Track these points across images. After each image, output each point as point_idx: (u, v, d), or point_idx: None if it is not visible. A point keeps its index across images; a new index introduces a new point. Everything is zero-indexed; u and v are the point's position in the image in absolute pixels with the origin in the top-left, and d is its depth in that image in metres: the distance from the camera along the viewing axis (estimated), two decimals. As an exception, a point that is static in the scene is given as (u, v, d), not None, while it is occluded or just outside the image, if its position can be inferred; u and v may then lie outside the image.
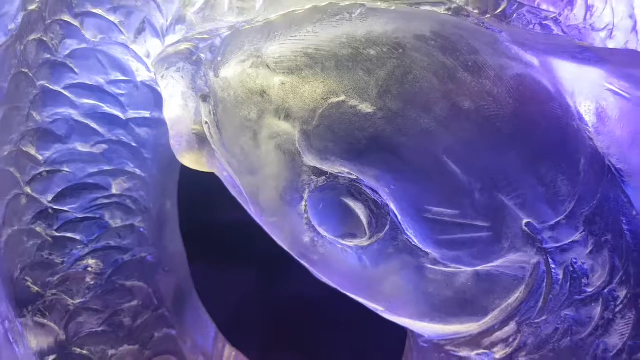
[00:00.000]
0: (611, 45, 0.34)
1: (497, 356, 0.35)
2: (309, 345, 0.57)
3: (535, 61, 0.30)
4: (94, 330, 0.38)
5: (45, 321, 0.38)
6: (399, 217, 0.29)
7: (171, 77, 0.29)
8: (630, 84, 0.30)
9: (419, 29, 0.29)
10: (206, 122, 0.30)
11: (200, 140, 0.30)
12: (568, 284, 0.32)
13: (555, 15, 0.33)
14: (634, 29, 0.34)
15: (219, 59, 0.30)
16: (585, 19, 0.34)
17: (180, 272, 0.44)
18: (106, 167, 0.36)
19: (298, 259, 0.34)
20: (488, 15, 0.31)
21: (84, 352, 0.38)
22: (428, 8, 0.30)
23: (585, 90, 0.31)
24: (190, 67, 0.29)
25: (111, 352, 0.39)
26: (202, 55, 0.30)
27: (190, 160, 0.31)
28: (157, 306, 0.41)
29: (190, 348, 0.44)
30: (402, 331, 0.39)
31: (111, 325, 0.38)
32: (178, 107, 0.30)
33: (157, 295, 0.41)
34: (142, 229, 0.38)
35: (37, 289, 0.37)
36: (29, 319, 0.38)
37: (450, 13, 0.30)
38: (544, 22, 0.33)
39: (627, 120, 0.31)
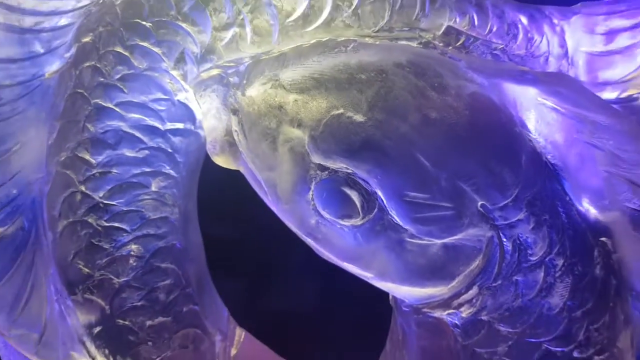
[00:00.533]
0: (547, 69, 0.44)
1: (464, 315, 0.44)
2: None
3: (485, 82, 0.39)
4: (135, 304, 0.46)
5: (93, 297, 0.46)
6: (385, 201, 0.38)
7: (208, 96, 0.38)
8: (559, 100, 0.40)
9: (397, 58, 0.38)
10: (235, 131, 0.39)
11: (231, 145, 0.39)
12: (516, 254, 0.42)
13: (502, 46, 0.42)
14: (565, 55, 0.44)
15: (245, 81, 0.39)
16: (526, 49, 0.43)
17: (200, 260, 0.52)
18: (147, 169, 0.44)
19: (304, 239, 0.43)
20: (450, 47, 0.40)
21: (126, 323, 0.46)
22: (404, 42, 0.40)
23: (525, 104, 0.40)
24: (222, 88, 0.38)
25: (148, 322, 0.47)
26: (231, 79, 0.38)
27: (223, 160, 0.40)
28: (185, 285, 0.49)
29: (210, 324, 0.52)
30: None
31: (149, 300, 0.47)
32: (214, 119, 0.39)
33: (184, 277, 0.49)
34: (173, 220, 0.47)
35: (87, 270, 0.45)
36: (80, 296, 0.46)
37: (421, 46, 0.40)
38: (494, 52, 0.42)
39: (558, 127, 0.41)
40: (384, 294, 0.47)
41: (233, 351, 0.55)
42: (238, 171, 0.43)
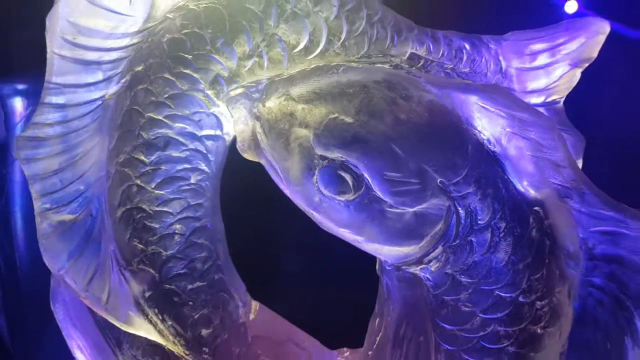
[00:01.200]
0: (486, 82, 0.59)
1: (433, 269, 0.58)
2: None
3: (440, 92, 0.54)
4: (179, 272, 0.59)
5: (146, 268, 0.59)
6: (370, 181, 0.52)
7: (237, 108, 0.52)
8: (494, 104, 0.54)
9: (375, 77, 0.53)
10: (258, 132, 0.53)
11: (256, 144, 0.53)
12: (469, 219, 0.56)
13: (452, 66, 0.57)
14: (500, 71, 0.59)
15: (264, 96, 0.53)
16: (470, 67, 0.58)
17: (224, 241, 0.65)
18: (188, 166, 0.58)
19: (310, 214, 0.56)
20: (413, 68, 0.55)
21: (172, 287, 0.59)
22: (379, 65, 0.54)
23: (470, 108, 0.55)
24: (248, 102, 0.52)
25: (189, 287, 0.60)
26: (254, 95, 0.53)
27: (249, 155, 0.54)
28: (216, 258, 0.62)
29: (234, 291, 0.66)
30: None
31: (189, 269, 0.60)
32: (242, 125, 0.53)
33: (215, 251, 0.62)
34: (206, 206, 0.60)
35: (141, 246, 0.58)
36: (135, 267, 0.59)
37: (392, 67, 0.54)
38: (446, 71, 0.57)
39: (495, 124, 0.56)
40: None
41: (251, 316, 0.68)
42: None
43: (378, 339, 0.66)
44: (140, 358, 0.62)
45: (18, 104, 1.90)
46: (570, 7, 2.06)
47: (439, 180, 0.53)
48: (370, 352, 0.66)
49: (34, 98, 1.85)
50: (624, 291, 0.63)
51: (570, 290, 0.63)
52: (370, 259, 0.65)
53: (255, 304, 0.70)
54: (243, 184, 0.76)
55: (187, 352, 0.60)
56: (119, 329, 0.63)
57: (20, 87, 1.89)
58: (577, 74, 0.62)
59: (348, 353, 0.74)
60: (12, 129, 1.91)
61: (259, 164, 0.57)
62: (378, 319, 0.67)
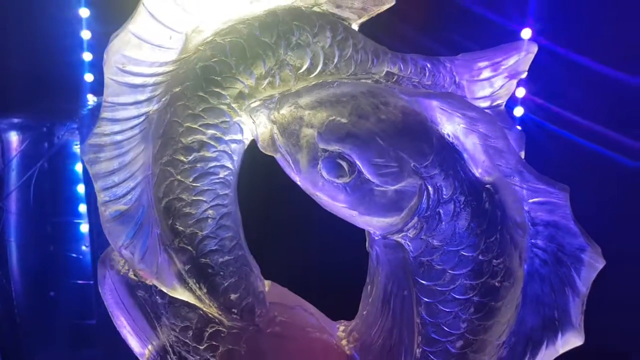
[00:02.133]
0: (444, 91, 0.77)
1: (411, 236, 0.75)
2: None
3: (409, 99, 0.72)
4: (211, 249, 0.75)
5: (185, 246, 0.74)
6: (361, 167, 0.69)
7: (258, 115, 0.69)
8: (450, 106, 0.72)
9: (361, 89, 0.70)
10: (275, 133, 0.70)
11: (273, 142, 0.70)
12: (436, 194, 0.73)
13: (417, 80, 0.75)
14: (454, 83, 0.78)
15: (278, 106, 0.70)
16: (432, 81, 0.77)
17: (242, 225, 0.81)
18: (217, 164, 0.74)
19: (314, 196, 0.73)
20: (389, 82, 0.73)
21: (206, 261, 0.75)
22: (364, 80, 0.72)
23: (432, 110, 0.73)
24: (266, 110, 0.69)
25: (220, 260, 0.75)
26: (270, 106, 0.70)
27: (268, 151, 0.70)
28: (239, 238, 0.77)
29: (253, 267, 0.81)
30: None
31: (220, 246, 0.75)
32: (263, 128, 0.69)
33: (238, 233, 0.77)
34: (231, 196, 0.76)
35: (181, 228, 0.74)
36: (177, 245, 0.74)
37: (373, 82, 0.72)
38: (413, 84, 0.75)
39: (452, 122, 0.73)
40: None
41: (267, 287, 0.83)
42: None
43: (370, 300, 0.82)
44: (179, 324, 0.77)
45: (14, 138, 2.05)
46: (526, 33, 2.35)
47: (412, 164, 0.70)
48: (364, 312, 0.83)
49: (29, 132, 2.00)
50: (561, 250, 0.80)
51: (521, 254, 0.80)
52: (359, 245, 0.81)
53: (267, 282, 0.85)
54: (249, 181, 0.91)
55: (219, 313, 0.75)
56: (157, 304, 0.78)
57: (16, 121, 2.03)
58: (514, 83, 0.80)
59: (344, 323, 0.89)
60: (9, 162, 2.04)
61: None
62: (369, 286, 0.83)
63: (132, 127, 0.73)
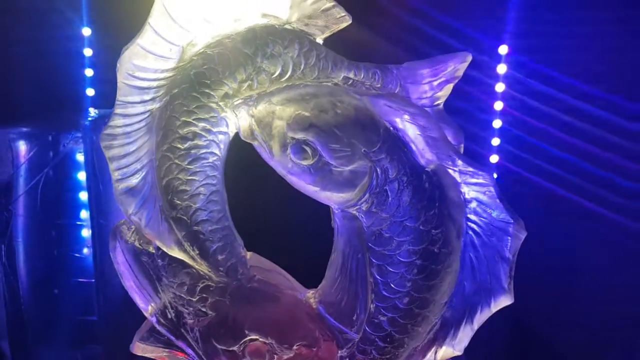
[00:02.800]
0: (391, 92, 0.95)
1: (364, 209, 0.92)
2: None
3: (362, 98, 0.90)
4: (203, 219, 0.92)
5: (181, 216, 0.92)
6: (321, 151, 0.87)
7: (240, 110, 0.87)
8: (394, 103, 0.90)
9: (323, 90, 0.88)
10: (253, 125, 0.88)
11: (252, 132, 0.88)
12: (383, 174, 0.91)
13: (369, 83, 0.94)
14: (398, 86, 0.96)
15: (256, 103, 0.88)
16: (381, 84, 0.95)
17: (227, 202, 0.98)
18: (208, 150, 0.90)
19: (284, 176, 0.91)
20: (346, 85, 0.91)
21: (198, 228, 0.92)
22: (325, 83, 0.91)
23: (380, 107, 0.91)
24: (246, 107, 0.87)
25: (209, 228, 0.92)
26: (250, 103, 0.88)
27: (248, 139, 0.89)
28: (225, 212, 0.94)
29: (236, 236, 0.98)
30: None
31: (209, 217, 0.92)
32: (243, 121, 0.87)
33: (224, 207, 0.94)
34: (218, 177, 0.93)
35: (178, 202, 0.91)
36: (175, 215, 0.91)
37: (333, 85, 0.91)
38: (365, 86, 0.93)
39: (396, 115, 0.92)
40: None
41: (248, 255, 1.00)
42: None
43: (332, 264, 0.99)
44: (176, 281, 0.94)
45: (22, 147, 2.22)
46: (503, 49, 2.54)
47: (363, 150, 0.88)
48: (328, 274, 1.00)
49: (36, 141, 2.16)
50: (491, 223, 0.97)
51: (458, 227, 0.97)
52: (327, 223, 0.99)
53: (249, 252, 1.02)
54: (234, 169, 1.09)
55: (209, 271, 0.93)
56: (158, 267, 0.95)
57: (24, 131, 2.20)
58: (450, 86, 0.98)
59: (313, 290, 1.05)
60: (17, 169, 2.21)
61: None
62: (334, 255, 1.01)
63: (139, 121, 0.91)
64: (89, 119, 2.41)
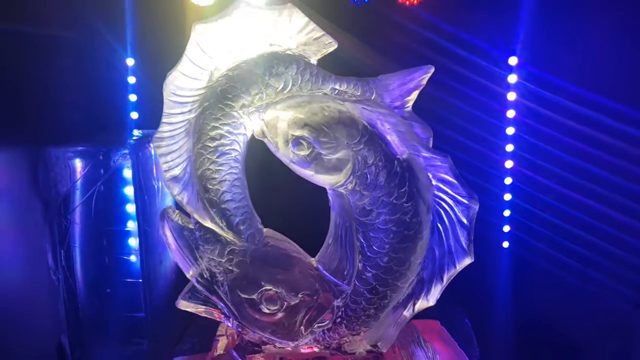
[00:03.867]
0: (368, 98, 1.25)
1: (349, 188, 1.22)
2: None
3: (345, 104, 1.20)
4: (228, 199, 1.22)
5: (212, 197, 1.22)
6: (314, 144, 1.17)
7: (253, 117, 1.18)
8: (370, 107, 1.20)
9: (315, 98, 1.19)
10: (264, 127, 1.18)
11: (263, 132, 1.18)
12: (363, 161, 1.20)
13: (351, 93, 1.23)
14: (375, 94, 1.25)
15: (265, 110, 1.19)
16: (361, 93, 1.24)
17: (247, 188, 1.29)
18: (230, 147, 1.21)
19: (288, 165, 1.21)
20: (333, 94, 1.21)
21: (225, 206, 1.22)
22: (317, 93, 1.21)
23: (359, 109, 1.20)
24: (258, 113, 1.18)
25: (233, 205, 1.23)
26: (261, 110, 1.19)
27: (260, 138, 1.19)
28: (245, 195, 1.24)
29: (254, 214, 1.28)
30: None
31: (233, 198, 1.23)
32: (257, 125, 1.18)
33: (245, 191, 1.25)
34: (240, 168, 1.23)
35: (210, 186, 1.21)
36: (207, 197, 1.23)
37: (323, 94, 1.21)
38: (348, 95, 1.23)
39: (371, 116, 1.21)
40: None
41: (265, 230, 1.30)
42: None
43: (328, 233, 1.28)
44: (209, 247, 1.24)
45: (78, 164, 2.55)
46: (513, 60, 2.79)
47: (345, 142, 1.18)
48: (326, 241, 1.29)
49: (89, 158, 2.48)
50: (451, 198, 1.25)
51: (427, 202, 1.25)
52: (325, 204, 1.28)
53: (265, 228, 1.32)
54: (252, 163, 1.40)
55: (234, 238, 1.23)
56: (196, 238, 1.26)
57: (79, 149, 2.52)
58: (416, 92, 1.27)
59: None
60: (74, 183, 2.54)
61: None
62: (330, 225, 1.30)
63: (180, 127, 1.23)
64: (134, 138, 2.75)
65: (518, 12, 2.67)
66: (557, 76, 2.74)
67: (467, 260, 1.27)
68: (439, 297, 1.30)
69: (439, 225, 1.27)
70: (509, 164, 2.90)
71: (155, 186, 2.78)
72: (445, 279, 1.28)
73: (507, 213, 2.90)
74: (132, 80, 2.95)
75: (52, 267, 2.57)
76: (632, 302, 2.59)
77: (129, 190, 2.61)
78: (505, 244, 2.96)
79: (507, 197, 2.90)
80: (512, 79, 2.82)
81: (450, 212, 1.26)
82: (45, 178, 2.48)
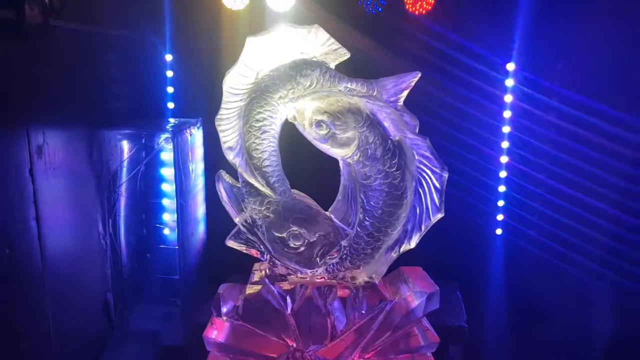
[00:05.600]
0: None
1: (355, 159, 1.70)
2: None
3: (354, 98, 1.67)
4: (267, 164, 1.69)
5: (256, 163, 1.69)
6: (330, 126, 1.65)
7: (288, 105, 1.66)
8: (372, 101, 1.67)
9: (331, 93, 1.67)
10: (295, 114, 1.66)
11: (294, 117, 1.65)
12: (365, 139, 1.67)
13: (358, 90, 1.70)
14: (376, 91, 1.72)
15: (296, 102, 1.67)
16: (366, 91, 1.71)
17: (280, 158, 1.76)
18: (270, 127, 1.67)
19: (312, 142, 1.69)
20: (345, 91, 1.69)
21: (265, 170, 1.68)
22: (334, 90, 1.68)
23: (364, 102, 1.68)
24: (291, 103, 1.65)
25: (271, 169, 1.69)
26: (294, 101, 1.66)
27: (292, 121, 1.66)
28: (279, 164, 1.71)
29: (285, 178, 1.76)
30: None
31: (271, 164, 1.69)
32: (290, 111, 1.66)
33: (279, 160, 1.72)
34: (276, 144, 1.70)
35: (255, 155, 1.67)
36: (253, 162, 1.70)
37: (337, 91, 1.69)
38: (356, 92, 1.70)
39: (372, 106, 1.68)
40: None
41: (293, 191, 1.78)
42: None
43: (340, 192, 1.76)
44: (252, 199, 1.72)
45: (125, 146, 3.04)
46: (510, 66, 3.28)
47: (353, 125, 1.65)
48: (337, 198, 1.77)
49: (134, 141, 2.96)
50: (427, 167, 1.72)
51: (412, 173, 1.72)
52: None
53: (293, 190, 1.80)
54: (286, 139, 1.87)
55: (270, 192, 1.71)
56: (242, 193, 1.74)
57: (127, 132, 2.99)
58: (407, 92, 1.72)
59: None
60: (121, 163, 3.02)
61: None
62: (340, 186, 1.78)
63: (234, 112, 1.70)
64: (171, 124, 3.19)
65: (514, 21, 3.10)
66: (549, 80, 3.17)
67: (439, 215, 1.73)
68: (418, 241, 1.77)
69: (419, 189, 1.74)
70: (504, 159, 3.36)
71: (190, 168, 3.28)
72: (423, 228, 1.75)
73: (501, 203, 3.36)
74: (170, 74, 3.46)
75: (102, 233, 3.08)
76: (594, 275, 3.04)
77: (164, 171, 3.09)
78: (499, 231, 3.41)
79: (502, 189, 3.37)
80: (509, 82, 3.28)
81: (428, 179, 1.72)
82: (98, 156, 2.95)
